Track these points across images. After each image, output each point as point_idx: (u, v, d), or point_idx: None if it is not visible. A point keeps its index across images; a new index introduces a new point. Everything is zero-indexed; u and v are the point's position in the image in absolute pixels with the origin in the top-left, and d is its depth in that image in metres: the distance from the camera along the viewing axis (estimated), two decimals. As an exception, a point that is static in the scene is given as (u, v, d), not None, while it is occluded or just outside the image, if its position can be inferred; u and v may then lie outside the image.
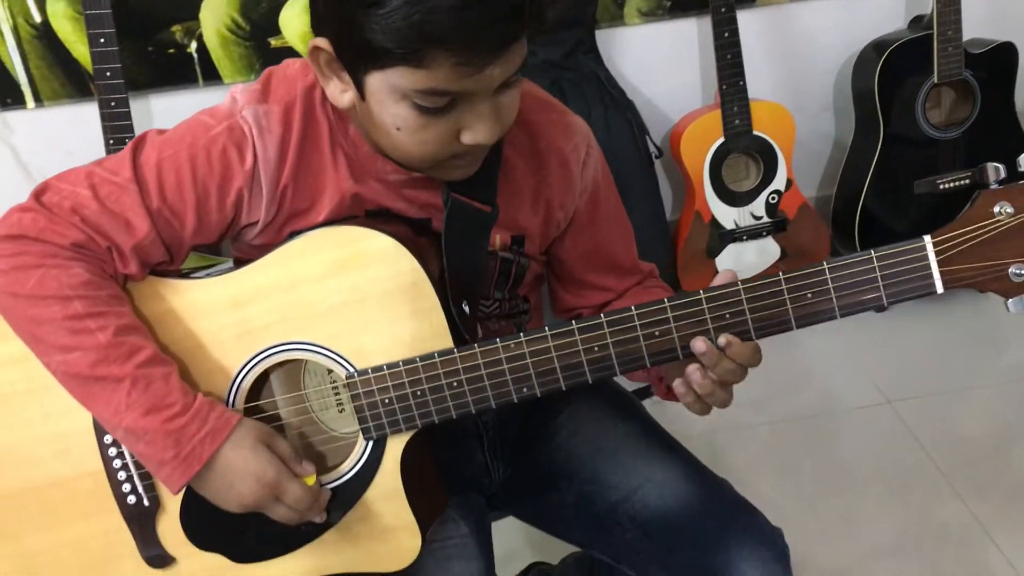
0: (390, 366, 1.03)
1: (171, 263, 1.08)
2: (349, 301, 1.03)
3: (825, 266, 0.96)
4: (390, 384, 1.03)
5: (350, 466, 1.07)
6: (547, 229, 1.17)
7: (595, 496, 1.23)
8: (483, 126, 0.97)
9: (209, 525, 1.09)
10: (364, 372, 1.03)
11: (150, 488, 1.08)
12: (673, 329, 0.99)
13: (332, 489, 1.07)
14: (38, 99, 2.33)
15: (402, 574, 1.11)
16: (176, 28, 2.30)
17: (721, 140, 2.34)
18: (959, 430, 2.17)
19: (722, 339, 0.98)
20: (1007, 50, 2.35)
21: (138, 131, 2.05)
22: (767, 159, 2.38)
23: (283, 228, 1.09)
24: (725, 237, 2.43)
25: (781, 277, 0.96)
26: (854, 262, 0.96)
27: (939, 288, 0.95)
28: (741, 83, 2.32)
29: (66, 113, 2.36)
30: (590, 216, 1.19)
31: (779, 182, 2.39)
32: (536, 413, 1.28)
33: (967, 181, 2.42)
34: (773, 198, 2.40)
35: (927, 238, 0.95)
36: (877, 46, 2.41)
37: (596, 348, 1.00)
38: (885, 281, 0.95)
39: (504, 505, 1.32)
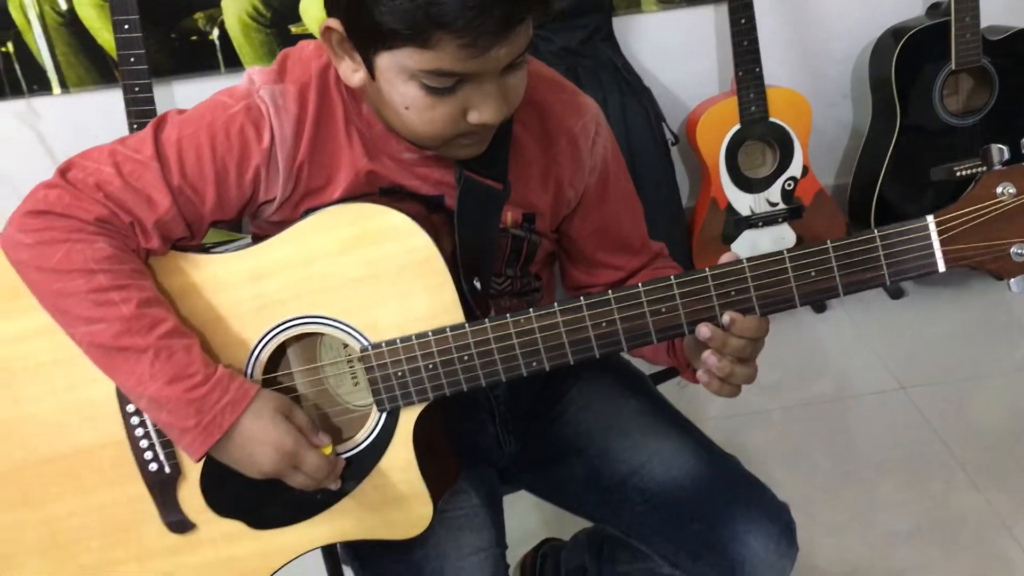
0: (403, 340, 1.06)
1: (192, 239, 1.11)
2: (363, 276, 1.06)
3: (829, 244, 0.98)
4: (403, 357, 1.06)
5: (364, 436, 1.10)
6: (557, 207, 1.20)
7: (604, 470, 1.26)
8: (489, 106, 0.99)
9: (228, 492, 1.12)
10: (378, 345, 1.06)
11: (171, 456, 1.12)
12: (680, 306, 1.01)
13: (347, 459, 1.10)
14: (64, 85, 2.38)
15: (414, 542, 1.14)
16: (199, 15, 2.34)
17: (737, 127, 2.36)
18: (973, 417, 2.18)
19: (725, 317, 1.00)
20: (1025, 37, 2.35)
21: (161, 117, 2.09)
22: (783, 146, 2.39)
23: (299, 205, 1.12)
24: (741, 224, 2.44)
25: (785, 255, 0.98)
26: (858, 241, 0.98)
27: (941, 267, 0.97)
28: (757, 70, 2.33)
29: (91, 99, 2.41)
30: (599, 195, 1.22)
31: (795, 169, 2.40)
32: (547, 388, 1.31)
33: (984, 169, 2.41)
34: (789, 184, 2.42)
35: (929, 218, 0.97)
36: (895, 33, 2.41)
37: (604, 324, 1.02)
38: (888, 260, 0.97)
39: (515, 478, 1.35)
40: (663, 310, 1.01)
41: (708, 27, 2.50)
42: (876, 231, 0.97)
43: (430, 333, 1.05)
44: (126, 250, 1.05)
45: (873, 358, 2.36)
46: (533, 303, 1.26)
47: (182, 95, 2.40)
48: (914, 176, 2.42)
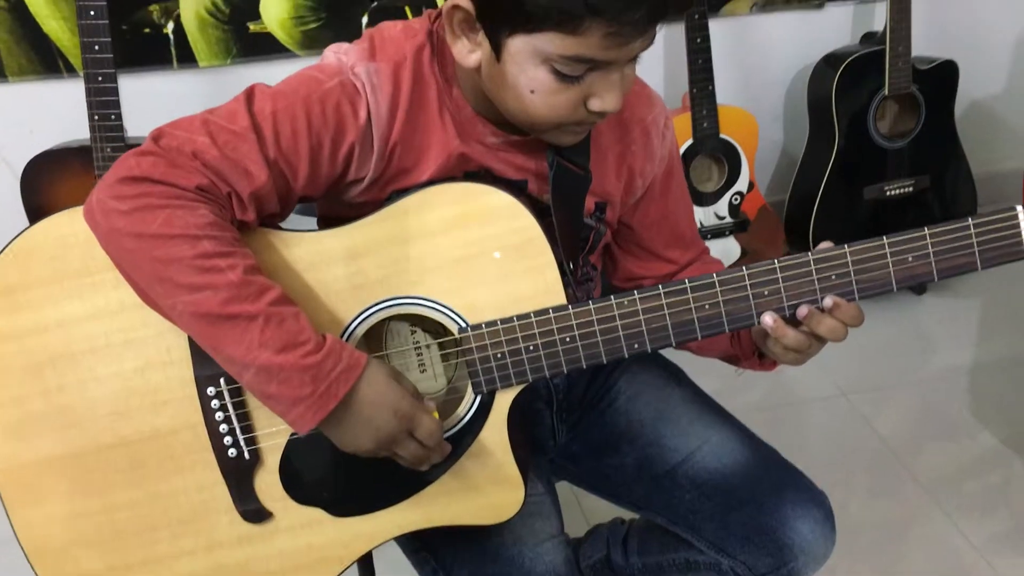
0: (503, 321, 1.06)
1: (279, 215, 1.08)
2: (464, 257, 1.06)
3: (926, 231, 1.03)
4: (503, 339, 1.06)
5: (458, 419, 1.09)
6: (627, 196, 1.22)
7: (656, 458, 1.28)
8: (612, 95, 1.02)
9: (310, 478, 1.09)
10: (477, 327, 1.06)
11: (251, 441, 1.08)
12: (782, 289, 1.04)
13: (438, 441, 1.08)
14: (1, 74, 2.25)
15: (490, 529, 1.13)
16: (154, 8, 2.26)
17: (690, 142, 2.44)
18: (911, 421, 2.31)
19: (828, 300, 1.04)
20: (950, 67, 2.52)
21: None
22: (731, 161, 2.48)
23: (386, 186, 1.11)
24: (688, 235, 2.51)
25: (885, 241, 1.03)
26: (952, 228, 1.03)
27: None
28: (710, 88, 2.41)
29: (32, 90, 2.28)
30: (664, 186, 1.25)
31: (742, 184, 2.50)
32: (595, 379, 1.33)
33: (911, 188, 2.58)
34: (736, 199, 2.51)
35: (1019, 207, 1.03)
36: (830, 59, 2.55)
37: (707, 306, 1.05)
38: (980, 247, 1.03)
39: (561, 469, 1.35)
40: (766, 292, 1.05)
41: (658, 45, 2.56)
42: (970, 219, 1.03)
43: (532, 314, 1.05)
44: (226, 219, 1.01)
45: (812, 366, 2.46)
46: (589, 292, 1.28)
47: (129, 89, 2.30)
48: (849, 194, 2.55)
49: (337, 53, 1.10)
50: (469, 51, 1.03)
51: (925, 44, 2.58)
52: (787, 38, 2.69)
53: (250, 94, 1.05)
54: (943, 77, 2.53)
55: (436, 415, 1.05)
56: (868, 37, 2.57)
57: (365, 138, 1.07)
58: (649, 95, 1.22)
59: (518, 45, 0.98)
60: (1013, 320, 2.61)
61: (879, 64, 2.46)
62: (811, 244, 2.53)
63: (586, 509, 1.91)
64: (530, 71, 0.99)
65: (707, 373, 1.39)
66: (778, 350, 1.10)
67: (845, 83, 2.47)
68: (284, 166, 1.04)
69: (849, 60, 2.46)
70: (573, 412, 1.32)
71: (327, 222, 1.14)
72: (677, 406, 1.31)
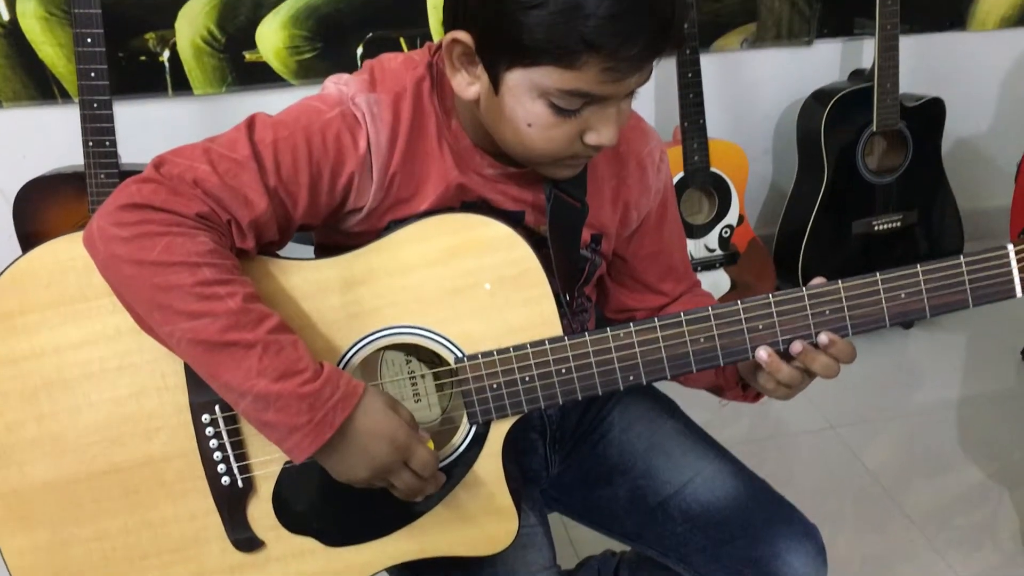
0: (500, 351, 1.06)
1: (278, 243, 1.09)
2: (461, 287, 1.06)
3: (919, 268, 1.04)
4: (500, 370, 1.06)
5: (453, 449, 1.09)
6: (622, 229, 1.23)
7: (648, 490, 1.28)
8: (608, 129, 1.03)
9: (303, 507, 1.09)
10: (474, 357, 1.06)
11: (245, 469, 1.08)
12: (776, 323, 1.05)
13: (433, 471, 1.08)
14: (-4, 99, 2.26)
15: (483, 560, 1.13)
16: (150, 36, 2.27)
17: (681, 175, 2.46)
18: (899, 454, 2.32)
19: (823, 337, 1.05)
20: (937, 104, 2.56)
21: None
22: (722, 195, 2.50)
23: (384, 216, 1.11)
24: (679, 268, 2.53)
25: (878, 277, 1.04)
26: (945, 265, 1.04)
27: (1018, 292, 1.05)
28: (701, 121, 2.44)
29: (25, 115, 2.29)
30: (658, 219, 1.26)
31: (732, 217, 2.52)
32: (588, 410, 1.33)
33: (899, 223, 2.60)
34: (726, 232, 2.53)
35: (1010, 245, 1.04)
36: (819, 95, 2.58)
37: (702, 339, 1.06)
38: (972, 284, 1.04)
39: (553, 500, 1.35)
40: (760, 327, 1.06)
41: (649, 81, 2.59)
42: (962, 257, 1.04)
43: (528, 345, 1.06)
44: (226, 246, 1.02)
45: (801, 399, 2.47)
46: (584, 323, 1.28)
47: (124, 115, 2.31)
48: (838, 228, 2.57)
49: (337, 84, 1.11)
50: (468, 84, 1.04)
51: (912, 82, 2.62)
52: (777, 74, 2.72)
53: (251, 123, 1.06)
54: (930, 114, 2.57)
55: (431, 446, 1.05)
56: (856, 74, 2.61)
57: (364, 168, 1.08)
58: (645, 129, 1.23)
59: (516, 78, 1.00)
60: (999, 354, 2.63)
61: (867, 101, 2.49)
62: (800, 277, 2.56)
63: (575, 540, 1.91)
64: (528, 104, 1.01)
65: (696, 405, 1.40)
66: (770, 385, 1.10)
67: (834, 119, 2.50)
68: (284, 195, 1.05)
69: (838, 96, 2.49)
70: (566, 443, 1.32)
71: (324, 251, 1.14)
72: (670, 438, 1.31)
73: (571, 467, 1.33)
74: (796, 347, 1.06)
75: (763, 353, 1.06)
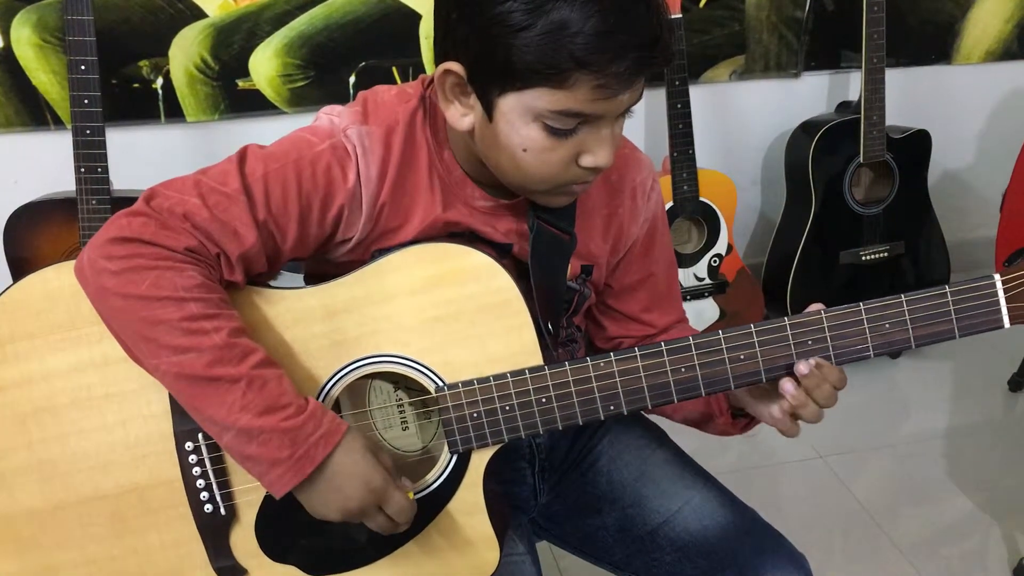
0: (480, 380, 1.07)
1: (268, 275, 1.10)
2: (442, 316, 1.07)
3: (903, 298, 1.04)
4: (480, 398, 1.07)
5: (434, 478, 1.10)
6: (612, 258, 1.24)
7: (637, 519, 1.29)
8: (603, 150, 1.04)
9: (285, 536, 1.09)
10: (454, 386, 1.07)
11: (227, 497, 1.08)
12: (758, 353, 1.06)
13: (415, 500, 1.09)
14: (-11, 125, 2.27)
15: (468, 590, 1.13)
16: (144, 63, 2.29)
17: (670, 204, 2.47)
18: (888, 484, 2.32)
19: (812, 361, 1.05)
20: (923, 136, 2.58)
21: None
22: (711, 224, 2.52)
23: (371, 246, 1.13)
24: (668, 296, 2.54)
25: (862, 307, 1.05)
26: (930, 295, 1.04)
27: (1006, 323, 1.04)
28: (690, 152, 2.46)
29: (18, 141, 2.30)
30: (646, 247, 1.27)
31: (721, 246, 2.54)
32: (577, 439, 1.34)
33: (886, 254, 2.62)
34: (715, 261, 2.54)
35: (996, 276, 1.03)
36: (807, 127, 2.61)
37: (683, 369, 1.07)
38: (958, 314, 1.04)
39: (542, 529, 1.36)
40: (742, 357, 1.06)
41: (639, 110, 2.61)
42: (947, 287, 1.04)
43: (508, 374, 1.07)
44: (214, 280, 1.03)
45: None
46: (573, 353, 1.29)
47: (116, 142, 2.32)
48: (825, 258, 2.59)
49: (330, 115, 1.12)
50: (462, 115, 1.06)
51: (899, 114, 2.64)
52: (765, 105, 2.75)
53: (243, 155, 1.07)
54: (916, 146, 2.59)
55: (411, 495, 1.05)
56: (844, 106, 2.64)
57: (354, 200, 1.09)
58: (638, 158, 1.24)
59: (510, 103, 1.01)
60: (987, 384, 2.64)
61: (854, 132, 2.52)
62: (788, 306, 2.57)
63: (564, 569, 1.91)
64: (522, 129, 1.02)
65: (684, 434, 1.40)
66: (780, 416, 1.10)
67: (821, 150, 2.52)
68: (273, 228, 1.06)
69: (825, 128, 2.51)
70: (555, 472, 1.33)
71: (314, 280, 1.15)
72: (659, 467, 1.32)
73: (560, 496, 1.33)
74: (803, 368, 1.05)
75: (789, 386, 1.06)
